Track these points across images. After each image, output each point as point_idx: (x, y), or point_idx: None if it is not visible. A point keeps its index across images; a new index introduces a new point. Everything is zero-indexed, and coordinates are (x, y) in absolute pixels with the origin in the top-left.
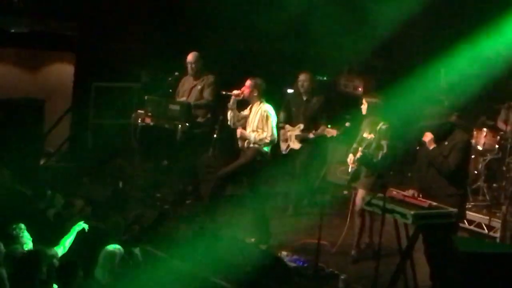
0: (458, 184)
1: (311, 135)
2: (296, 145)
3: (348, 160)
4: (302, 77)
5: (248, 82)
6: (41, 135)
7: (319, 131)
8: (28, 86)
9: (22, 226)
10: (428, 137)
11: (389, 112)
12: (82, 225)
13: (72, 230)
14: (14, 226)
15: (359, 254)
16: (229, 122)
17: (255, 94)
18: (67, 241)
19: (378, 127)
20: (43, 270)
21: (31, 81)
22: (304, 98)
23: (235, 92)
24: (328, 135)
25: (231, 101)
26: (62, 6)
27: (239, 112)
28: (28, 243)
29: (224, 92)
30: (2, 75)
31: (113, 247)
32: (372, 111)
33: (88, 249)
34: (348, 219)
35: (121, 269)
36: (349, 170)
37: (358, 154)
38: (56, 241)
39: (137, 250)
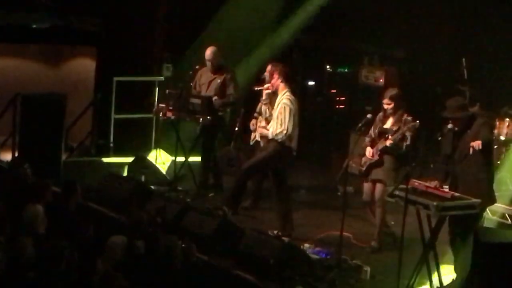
0: (487, 169)
1: None
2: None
3: (367, 153)
4: None
5: (268, 68)
6: (63, 130)
7: None
8: (50, 81)
9: (39, 209)
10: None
11: (410, 103)
12: None
13: None
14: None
15: (380, 245)
16: (262, 116)
17: (279, 80)
18: None
19: (404, 119)
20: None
21: (53, 76)
22: None
23: (267, 85)
24: None
25: (264, 95)
26: (83, 1)
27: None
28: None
29: (256, 88)
30: (25, 70)
31: (117, 237)
32: (394, 102)
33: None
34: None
35: (124, 259)
36: (367, 162)
37: (388, 143)
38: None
39: (140, 243)
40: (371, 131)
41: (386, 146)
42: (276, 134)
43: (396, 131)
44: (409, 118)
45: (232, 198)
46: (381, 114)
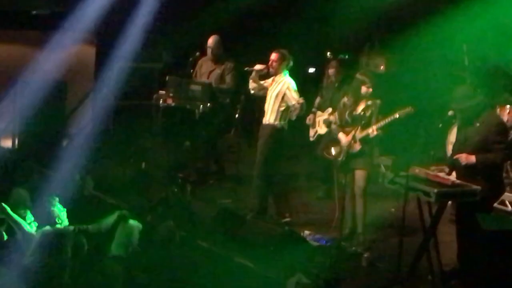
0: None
1: None
2: (323, 130)
3: (343, 140)
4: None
5: (274, 55)
6: (64, 117)
7: None
8: (50, 68)
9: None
10: (464, 158)
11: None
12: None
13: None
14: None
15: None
16: (251, 91)
17: (281, 66)
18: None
19: (374, 102)
20: (67, 250)
21: (53, 62)
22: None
23: (258, 66)
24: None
25: (253, 73)
26: None
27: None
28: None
29: (247, 68)
30: (25, 56)
31: (132, 222)
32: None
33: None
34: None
35: (140, 245)
36: (351, 150)
37: (378, 133)
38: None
39: (163, 226)
40: (336, 117)
41: (367, 136)
42: (301, 103)
43: (370, 118)
44: (378, 101)
45: (259, 206)
46: (351, 98)
